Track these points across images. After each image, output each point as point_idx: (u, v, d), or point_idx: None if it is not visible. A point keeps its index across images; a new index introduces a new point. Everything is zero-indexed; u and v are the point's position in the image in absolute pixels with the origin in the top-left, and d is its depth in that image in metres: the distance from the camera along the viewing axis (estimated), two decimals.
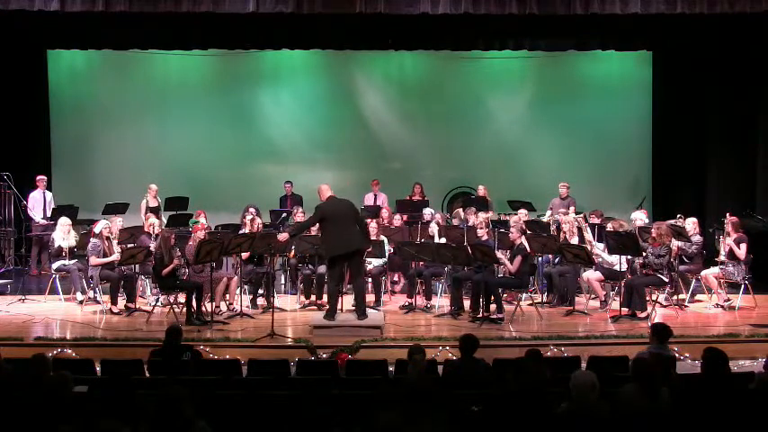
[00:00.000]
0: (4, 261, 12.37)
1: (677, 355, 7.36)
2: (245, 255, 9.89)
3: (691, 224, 10.28)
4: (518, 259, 9.35)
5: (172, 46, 13.56)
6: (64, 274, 10.31)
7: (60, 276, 10.32)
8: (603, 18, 10.86)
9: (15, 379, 4.87)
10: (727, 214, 10.04)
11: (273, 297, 9.73)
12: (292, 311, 9.92)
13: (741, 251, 9.68)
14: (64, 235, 10.33)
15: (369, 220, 10.25)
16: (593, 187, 13.79)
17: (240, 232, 10.39)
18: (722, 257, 9.81)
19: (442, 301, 10.00)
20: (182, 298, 9.58)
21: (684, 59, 13.60)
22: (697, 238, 10.08)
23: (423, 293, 10.14)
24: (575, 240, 10.02)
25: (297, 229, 9.46)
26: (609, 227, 10.00)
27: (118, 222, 10.59)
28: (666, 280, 9.49)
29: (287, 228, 11.57)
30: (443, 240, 10.51)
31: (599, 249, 9.87)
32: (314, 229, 10.32)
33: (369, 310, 9.23)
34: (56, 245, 10.29)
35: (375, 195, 13.31)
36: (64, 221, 10.49)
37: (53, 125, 14.19)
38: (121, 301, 9.77)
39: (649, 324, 8.06)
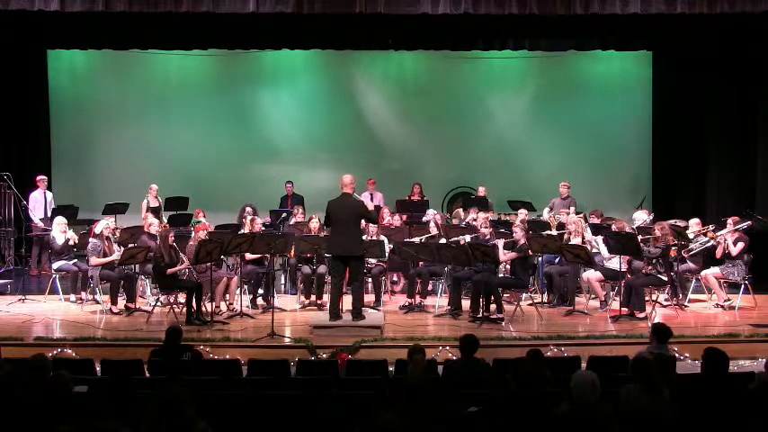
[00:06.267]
0: (4, 261, 12.37)
1: (677, 355, 7.37)
2: (251, 256, 9.93)
3: (694, 224, 10.32)
4: (511, 254, 9.36)
5: (172, 46, 13.57)
6: (64, 274, 10.31)
7: (60, 276, 10.32)
8: (603, 18, 10.85)
9: (15, 379, 4.86)
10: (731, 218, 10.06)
11: (273, 297, 9.72)
12: (292, 311, 9.92)
13: (735, 249, 9.69)
14: (62, 233, 10.32)
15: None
16: (593, 187, 13.80)
17: (240, 232, 10.39)
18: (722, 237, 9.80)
19: (441, 301, 10.00)
20: (182, 298, 9.59)
21: (684, 59, 13.60)
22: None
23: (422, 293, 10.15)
24: (578, 240, 10.02)
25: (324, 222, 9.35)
26: (613, 227, 9.99)
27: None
28: (665, 279, 9.50)
29: (288, 227, 11.62)
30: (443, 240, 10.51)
31: (597, 243, 9.89)
32: (315, 229, 10.36)
33: (369, 310, 9.25)
34: (59, 242, 10.28)
35: (371, 195, 13.31)
36: (59, 221, 10.51)
37: (53, 125, 14.22)
38: (121, 301, 9.77)
39: (649, 324, 8.08)
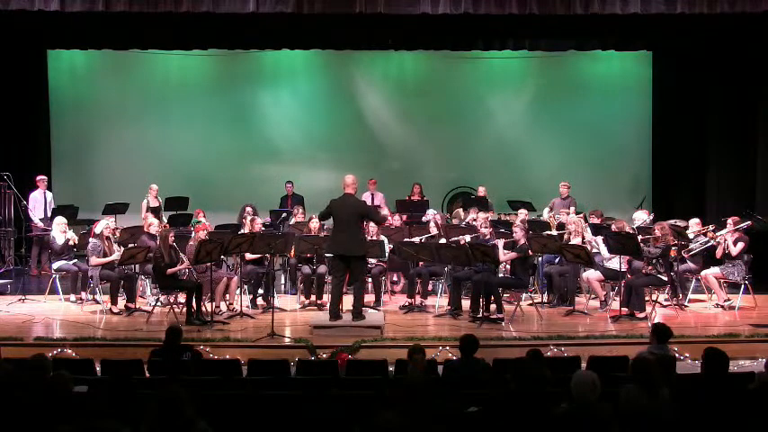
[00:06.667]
0: (4, 261, 12.37)
1: (677, 355, 7.37)
2: (250, 256, 9.93)
3: (694, 224, 10.32)
4: (511, 254, 9.37)
5: (172, 46, 13.57)
6: (64, 274, 10.31)
7: (60, 276, 10.32)
8: (603, 18, 10.85)
9: (15, 379, 4.86)
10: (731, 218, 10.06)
11: (273, 297, 9.72)
12: (292, 311, 9.92)
13: (735, 249, 9.69)
14: (62, 234, 10.32)
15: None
16: (593, 187, 13.80)
17: (240, 232, 10.39)
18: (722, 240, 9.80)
19: (441, 301, 10.00)
20: (182, 298, 9.59)
21: (684, 59, 13.61)
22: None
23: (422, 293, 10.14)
24: (578, 240, 10.02)
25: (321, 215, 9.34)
26: (613, 227, 9.99)
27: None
28: (665, 279, 9.50)
29: (288, 227, 11.62)
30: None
31: (597, 243, 9.90)
32: (315, 229, 10.36)
33: (369, 310, 9.24)
34: (59, 242, 10.28)
35: (372, 195, 13.31)
36: (59, 221, 10.50)
37: (53, 125, 14.22)
38: (121, 301, 9.77)
39: (649, 324, 8.07)
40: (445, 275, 10.26)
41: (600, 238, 9.95)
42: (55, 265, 10.33)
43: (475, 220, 11.37)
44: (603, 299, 9.87)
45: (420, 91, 14.79)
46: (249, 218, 10.83)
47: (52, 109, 14.17)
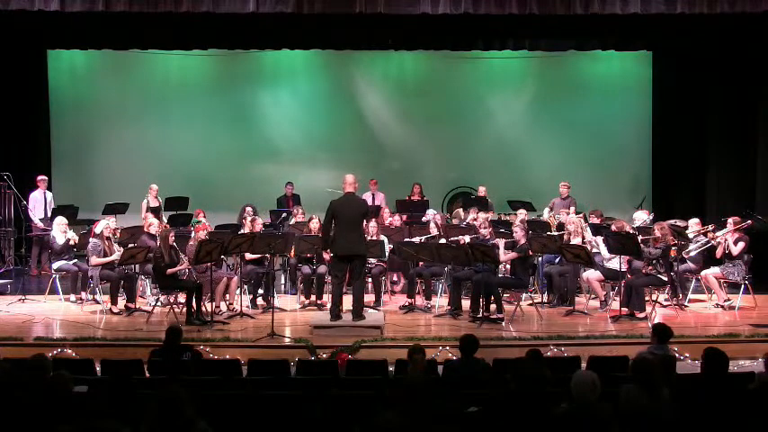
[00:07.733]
0: (4, 261, 12.37)
1: (677, 355, 7.37)
2: (250, 256, 9.93)
3: (694, 224, 10.32)
4: (511, 254, 9.36)
5: (172, 46, 13.58)
6: (64, 274, 10.31)
7: (60, 276, 10.32)
8: (603, 18, 10.86)
9: (15, 379, 4.86)
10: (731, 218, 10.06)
11: (273, 297, 9.72)
12: (292, 311, 9.92)
13: (736, 249, 9.69)
14: (62, 234, 10.32)
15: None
16: (593, 187, 13.80)
17: (240, 232, 10.39)
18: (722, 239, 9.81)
19: (441, 301, 10.00)
20: (182, 298, 9.59)
21: (684, 59, 13.61)
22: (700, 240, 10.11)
23: (423, 293, 10.14)
24: (578, 240, 10.02)
25: (323, 238, 9.07)
26: (613, 227, 9.99)
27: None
28: (665, 279, 9.50)
29: (288, 227, 11.61)
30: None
31: (597, 243, 9.90)
32: (315, 229, 10.35)
33: (369, 310, 9.24)
34: (59, 242, 10.27)
35: (373, 195, 13.31)
36: (59, 221, 10.50)
37: (53, 125, 14.23)
38: (121, 301, 9.77)
39: (649, 324, 8.07)
40: (445, 275, 10.26)
41: (600, 238, 9.95)
42: (55, 265, 10.33)
43: (475, 219, 11.38)
44: (603, 299, 9.87)
45: (420, 91, 14.80)
46: (249, 218, 10.83)
47: (52, 109, 14.17)
